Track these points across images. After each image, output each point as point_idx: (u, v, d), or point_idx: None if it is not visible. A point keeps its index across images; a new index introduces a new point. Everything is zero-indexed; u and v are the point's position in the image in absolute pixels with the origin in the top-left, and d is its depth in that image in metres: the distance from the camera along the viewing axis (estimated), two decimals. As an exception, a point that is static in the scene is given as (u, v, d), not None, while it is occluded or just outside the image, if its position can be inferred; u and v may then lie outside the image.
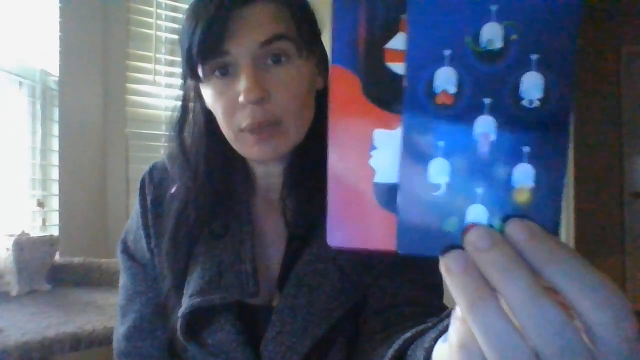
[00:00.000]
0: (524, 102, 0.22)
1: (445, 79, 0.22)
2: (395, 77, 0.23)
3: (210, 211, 0.63)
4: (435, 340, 0.34)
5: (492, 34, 0.22)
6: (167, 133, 0.67)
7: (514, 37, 0.22)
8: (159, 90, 1.93)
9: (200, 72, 0.57)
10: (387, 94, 0.23)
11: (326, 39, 0.62)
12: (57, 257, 1.39)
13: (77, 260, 1.42)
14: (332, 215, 0.24)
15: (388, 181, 0.23)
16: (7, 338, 0.89)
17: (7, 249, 1.22)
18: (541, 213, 0.23)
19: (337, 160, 0.24)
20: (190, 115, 0.65)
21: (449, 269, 0.23)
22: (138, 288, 0.67)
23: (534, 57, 0.22)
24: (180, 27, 0.58)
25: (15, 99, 1.53)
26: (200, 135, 0.64)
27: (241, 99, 0.54)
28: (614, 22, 3.54)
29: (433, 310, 0.57)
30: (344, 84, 0.23)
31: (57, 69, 1.66)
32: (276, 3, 0.56)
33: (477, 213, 0.23)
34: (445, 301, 0.61)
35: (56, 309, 1.12)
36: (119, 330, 0.67)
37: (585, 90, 3.48)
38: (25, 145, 1.58)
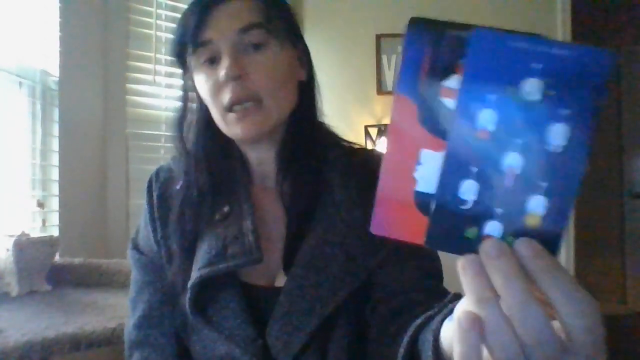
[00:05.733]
0: (548, 147, 0.27)
1: (487, 119, 0.27)
2: (446, 110, 0.28)
3: (212, 192, 0.68)
4: (442, 322, 0.40)
5: (532, 87, 0.27)
6: (167, 133, 0.72)
7: (551, 92, 0.27)
8: (159, 90, 1.93)
9: (191, 62, 0.65)
10: (437, 123, 0.29)
11: (307, 38, 0.71)
12: (57, 257, 1.39)
13: (77, 260, 1.42)
14: (378, 210, 0.30)
15: (426, 191, 0.29)
16: (7, 339, 0.89)
17: (7, 250, 1.22)
18: (546, 236, 0.28)
19: (389, 169, 0.30)
20: (193, 106, 0.71)
21: (464, 268, 0.29)
22: (147, 278, 0.72)
23: (565, 112, 0.27)
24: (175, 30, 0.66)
25: (15, 99, 1.53)
26: (198, 126, 0.69)
27: (221, 75, 0.61)
28: (614, 22, 3.54)
29: (439, 296, 0.60)
30: (404, 110, 0.29)
31: (57, 69, 1.66)
32: None
33: (493, 228, 0.29)
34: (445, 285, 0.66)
35: (56, 309, 1.12)
36: (130, 322, 0.71)
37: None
38: (26, 145, 1.57)
